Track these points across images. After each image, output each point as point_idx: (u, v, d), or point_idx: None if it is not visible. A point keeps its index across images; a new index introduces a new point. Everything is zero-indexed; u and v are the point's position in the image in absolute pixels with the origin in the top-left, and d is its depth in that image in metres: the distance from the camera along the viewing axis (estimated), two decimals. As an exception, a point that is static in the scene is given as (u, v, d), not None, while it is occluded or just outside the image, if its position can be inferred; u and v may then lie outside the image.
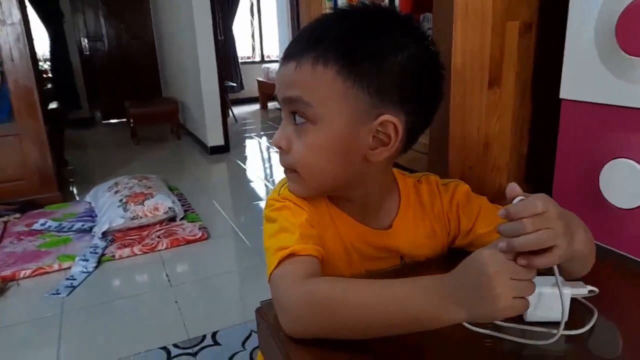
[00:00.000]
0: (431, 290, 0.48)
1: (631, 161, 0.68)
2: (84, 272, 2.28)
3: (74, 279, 2.22)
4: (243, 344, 1.75)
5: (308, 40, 0.62)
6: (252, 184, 3.88)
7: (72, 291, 2.14)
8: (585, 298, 0.59)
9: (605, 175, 0.71)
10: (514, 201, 0.48)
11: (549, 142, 0.79)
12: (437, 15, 0.83)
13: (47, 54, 6.12)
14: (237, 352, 1.71)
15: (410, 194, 0.73)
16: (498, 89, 0.80)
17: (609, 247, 0.74)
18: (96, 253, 2.44)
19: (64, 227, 2.79)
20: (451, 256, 0.74)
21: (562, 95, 0.76)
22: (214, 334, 1.81)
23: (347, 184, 0.66)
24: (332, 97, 0.59)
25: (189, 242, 2.62)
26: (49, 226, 2.81)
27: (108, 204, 2.87)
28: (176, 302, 2.05)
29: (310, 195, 0.67)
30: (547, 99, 0.79)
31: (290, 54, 0.62)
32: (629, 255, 0.72)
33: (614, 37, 0.66)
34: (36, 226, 2.81)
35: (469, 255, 0.47)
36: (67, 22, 6.04)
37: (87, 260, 2.36)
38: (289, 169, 0.65)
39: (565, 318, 0.53)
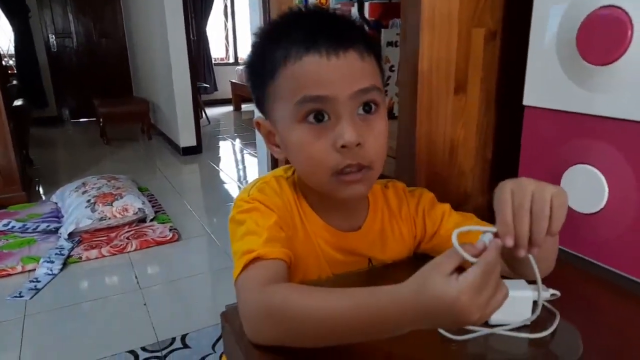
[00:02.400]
0: (393, 317, 0.46)
1: (591, 167, 0.70)
2: (48, 274, 2.22)
3: (38, 282, 2.16)
4: (213, 346, 1.73)
5: (347, 29, 0.61)
6: (224, 185, 3.85)
7: (35, 294, 2.08)
8: (547, 301, 0.60)
9: (566, 180, 0.73)
10: (485, 238, 0.46)
11: (512, 148, 0.81)
12: (405, 21, 0.84)
13: (13, 50, 5.94)
14: (207, 355, 1.69)
15: (379, 198, 0.74)
16: (463, 95, 0.82)
17: (570, 251, 0.76)
18: (62, 254, 2.38)
19: (28, 228, 2.71)
20: (416, 260, 0.75)
21: (525, 101, 0.78)
22: (183, 337, 1.78)
23: None
24: (381, 83, 0.63)
25: (159, 243, 2.58)
26: (13, 227, 2.73)
27: (75, 205, 2.80)
28: (145, 304, 2.02)
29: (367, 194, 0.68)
30: (511, 105, 0.81)
31: (338, 45, 0.58)
32: (589, 259, 0.74)
33: (575, 46, 0.68)
34: (-1, 227, 2.72)
35: (429, 286, 0.43)
36: (33, 17, 5.87)
37: (52, 262, 2.30)
38: (361, 167, 0.61)
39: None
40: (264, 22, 1.61)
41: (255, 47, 0.66)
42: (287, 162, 0.70)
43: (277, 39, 0.62)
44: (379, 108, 0.62)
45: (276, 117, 0.64)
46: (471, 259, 0.43)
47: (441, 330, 0.56)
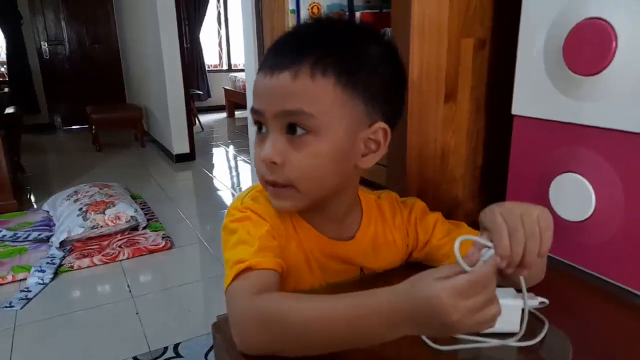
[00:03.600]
0: (385, 315, 0.47)
1: (578, 175, 0.71)
2: (39, 284, 2.20)
3: (29, 291, 2.14)
4: (206, 355, 1.72)
5: (298, 49, 0.60)
6: (218, 193, 3.84)
7: (26, 304, 2.06)
8: (536, 309, 0.60)
9: (554, 188, 0.74)
10: (485, 254, 0.49)
11: (502, 155, 0.82)
12: (396, 30, 0.85)
13: (4, 57, 5.93)
14: (200, 364, 1.68)
15: (372, 208, 0.75)
16: (453, 103, 0.82)
17: (558, 258, 0.76)
18: (53, 264, 2.36)
19: (19, 237, 2.69)
20: (408, 268, 0.75)
21: (513, 111, 0.78)
22: (175, 346, 1.77)
23: (333, 194, 0.66)
24: (332, 106, 0.59)
25: (151, 251, 2.57)
26: (3, 236, 2.70)
27: (67, 213, 2.79)
28: (137, 313, 2.00)
29: (299, 209, 0.66)
30: (500, 113, 0.82)
31: (279, 64, 0.59)
32: (577, 266, 0.74)
33: (562, 57, 0.69)
34: (-11, 236, 2.70)
35: (418, 285, 0.46)
36: (25, 24, 5.86)
37: (43, 271, 2.28)
38: (282, 185, 0.61)
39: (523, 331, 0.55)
40: (257, 30, 1.62)
41: None
42: None
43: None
44: (310, 133, 0.59)
45: None
46: (467, 268, 0.45)
47: (429, 342, 0.56)
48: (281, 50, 0.62)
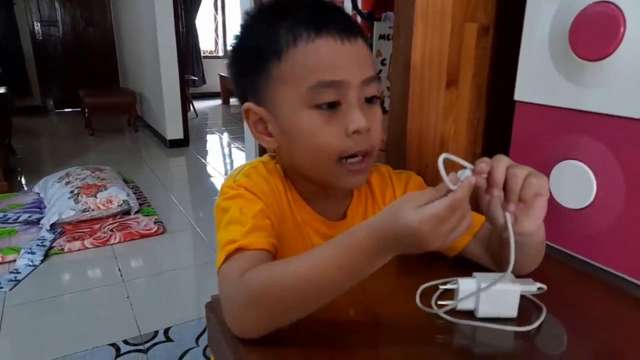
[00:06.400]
0: (368, 249, 0.47)
1: (580, 162, 0.70)
2: (29, 266, 2.18)
3: (18, 273, 2.12)
4: (197, 340, 1.72)
5: (348, 16, 0.62)
6: (211, 179, 3.83)
7: (15, 285, 2.04)
8: (534, 295, 0.60)
9: (555, 176, 0.73)
10: (461, 175, 0.48)
11: (501, 144, 0.81)
12: (398, 15, 0.84)
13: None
14: (190, 349, 1.68)
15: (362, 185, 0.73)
16: (455, 90, 0.81)
17: (557, 246, 0.76)
18: (43, 246, 2.34)
19: (9, 218, 2.67)
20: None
21: (516, 97, 0.77)
22: (166, 330, 1.77)
23: None
24: None
25: (143, 236, 2.56)
26: (-7, 217, 2.68)
27: (58, 195, 2.76)
28: (128, 297, 2.00)
29: None
30: (501, 100, 0.81)
31: (348, 30, 0.58)
32: (576, 255, 0.74)
33: (567, 42, 0.68)
34: (-21, 217, 2.67)
35: (398, 215, 0.46)
36: (18, 4, 5.78)
37: (33, 253, 2.27)
38: (366, 154, 0.62)
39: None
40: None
41: (250, 27, 0.64)
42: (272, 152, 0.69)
43: (279, 19, 0.59)
44: (377, 97, 0.63)
45: (277, 101, 0.61)
46: (452, 187, 0.46)
47: (439, 312, 0.56)
48: (336, 15, 0.60)
